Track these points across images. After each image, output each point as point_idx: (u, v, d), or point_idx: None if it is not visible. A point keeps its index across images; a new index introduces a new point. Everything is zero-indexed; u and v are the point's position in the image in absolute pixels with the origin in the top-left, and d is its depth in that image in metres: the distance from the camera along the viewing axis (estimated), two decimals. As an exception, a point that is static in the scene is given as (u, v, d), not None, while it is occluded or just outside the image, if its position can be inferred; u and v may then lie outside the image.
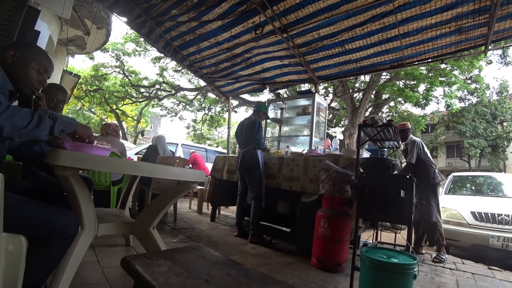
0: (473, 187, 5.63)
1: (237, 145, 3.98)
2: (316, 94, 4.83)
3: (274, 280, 0.85)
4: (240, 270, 0.89)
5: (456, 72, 10.53)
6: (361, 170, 2.45)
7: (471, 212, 4.15)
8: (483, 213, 4.03)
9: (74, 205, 1.36)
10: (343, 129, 12.61)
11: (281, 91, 10.58)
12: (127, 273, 0.89)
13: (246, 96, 13.50)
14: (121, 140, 3.81)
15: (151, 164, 1.32)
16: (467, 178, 5.94)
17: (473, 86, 13.28)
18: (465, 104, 16.41)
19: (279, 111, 5.59)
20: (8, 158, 1.73)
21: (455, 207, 4.39)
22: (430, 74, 10.28)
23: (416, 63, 3.99)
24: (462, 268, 3.09)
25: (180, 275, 0.78)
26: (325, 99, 8.69)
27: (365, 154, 3.83)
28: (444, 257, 3.37)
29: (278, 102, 5.55)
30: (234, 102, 13.96)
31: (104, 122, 4.90)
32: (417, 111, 13.53)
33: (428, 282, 2.53)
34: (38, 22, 3.55)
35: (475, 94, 14.80)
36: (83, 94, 16.47)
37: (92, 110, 20.36)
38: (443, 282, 2.57)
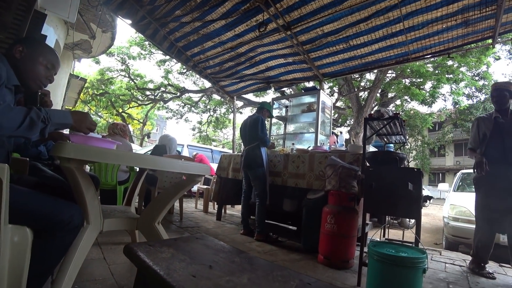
0: (483, 184, 5.53)
1: (242, 145, 3.96)
2: (321, 91, 4.81)
3: (279, 266, 0.84)
4: (244, 258, 0.88)
5: (463, 69, 10.38)
6: (368, 164, 2.42)
7: (481, 209, 4.05)
8: (493, 210, 3.93)
9: (79, 199, 1.37)
10: (348, 128, 12.53)
11: (286, 90, 10.58)
12: (131, 263, 0.89)
13: (250, 97, 13.54)
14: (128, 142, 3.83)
15: (155, 157, 1.32)
16: (476, 175, 5.83)
17: (481, 82, 13.03)
18: (473, 101, 16.12)
19: (284, 109, 5.57)
20: (15, 156, 1.75)
21: (464, 204, 4.30)
22: (437, 71, 10.16)
23: (422, 57, 3.93)
24: (473, 265, 3.02)
25: (183, 261, 0.77)
26: (330, 98, 8.65)
27: (372, 150, 3.79)
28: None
29: (283, 100, 5.53)
30: (239, 103, 14.02)
31: (112, 121, 4.93)
32: (423, 109, 13.40)
33: (437, 278, 2.48)
34: (45, 26, 3.61)
35: (483, 91, 14.52)
36: (90, 98, 16.72)
37: (99, 113, 20.61)
38: (453, 278, 2.51)
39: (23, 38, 1.40)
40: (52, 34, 5.10)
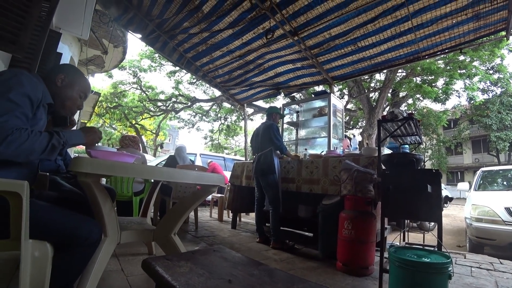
0: (505, 182, 5.32)
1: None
2: (332, 94, 4.77)
3: (299, 279, 0.82)
4: (263, 270, 0.87)
5: (476, 63, 10.11)
6: (383, 167, 2.37)
7: (505, 208, 3.89)
8: (519, 209, 3.77)
9: (96, 213, 1.39)
10: (361, 130, 12.35)
11: (296, 95, 10.56)
12: (149, 276, 0.89)
13: (261, 103, 13.57)
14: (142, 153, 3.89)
15: (170, 169, 1.33)
16: (497, 172, 5.62)
17: (496, 76, 12.69)
18: (488, 95, 15.66)
19: (295, 115, 5.55)
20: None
21: (487, 204, 4.14)
22: (448, 67, 9.92)
23: (433, 54, 3.84)
24: (501, 268, 2.88)
25: (201, 275, 0.77)
26: (341, 101, 8.59)
27: (386, 152, 3.71)
28: None
29: (293, 106, 5.51)
30: (250, 110, 14.06)
31: (124, 133, 5.03)
32: (437, 106, 13.08)
33: (464, 284, 2.38)
34: (60, 44, 3.73)
35: (499, 85, 14.12)
36: (104, 111, 17.16)
37: (113, 126, 21.12)
38: (481, 283, 2.40)
39: (64, 66, 1.47)
40: (67, 52, 5.28)
